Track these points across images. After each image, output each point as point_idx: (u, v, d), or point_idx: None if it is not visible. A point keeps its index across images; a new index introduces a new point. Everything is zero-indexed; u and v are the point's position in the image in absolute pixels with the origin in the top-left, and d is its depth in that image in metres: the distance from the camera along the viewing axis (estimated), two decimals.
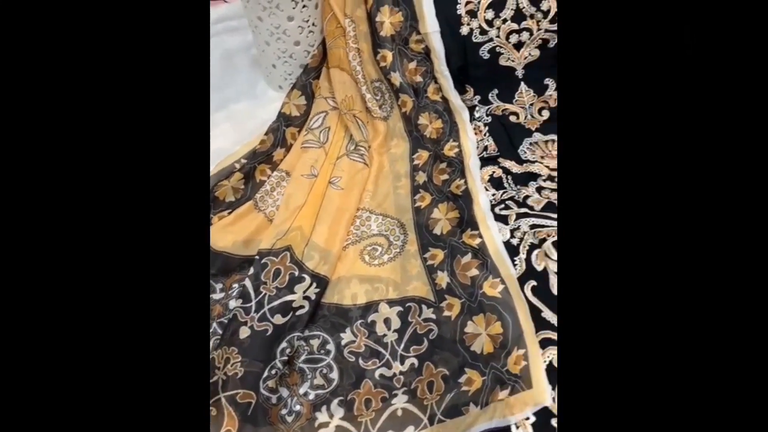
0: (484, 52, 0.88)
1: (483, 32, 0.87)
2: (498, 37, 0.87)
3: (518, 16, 0.85)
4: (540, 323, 0.65)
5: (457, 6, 0.86)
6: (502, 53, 0.88)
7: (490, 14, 0.86)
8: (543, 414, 0.58)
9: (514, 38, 0.87)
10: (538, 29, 0.86)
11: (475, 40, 0.87)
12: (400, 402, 0.61)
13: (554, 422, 0.57)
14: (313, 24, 0.95)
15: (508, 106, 0.91)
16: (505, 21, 0.86)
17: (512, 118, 0.91)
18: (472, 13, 0.86)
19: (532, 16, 0.85)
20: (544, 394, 0.58)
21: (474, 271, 0.71)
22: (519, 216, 0.78)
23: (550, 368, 0.61)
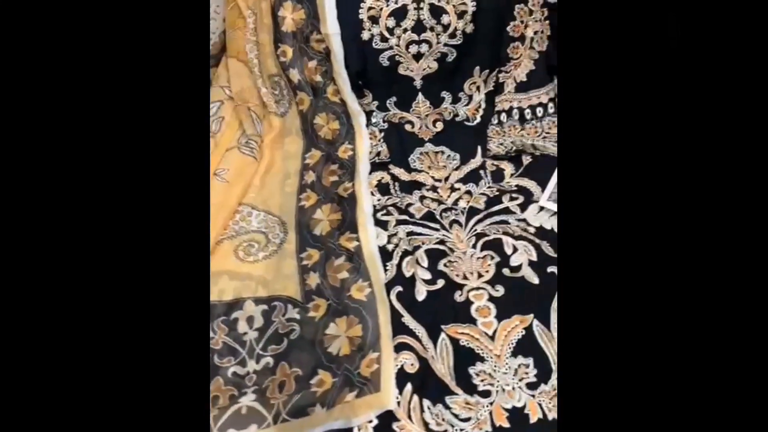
0: (383, 59, 0.89)
1: (384, 39, 0.88)
2: (398, 45, 0.88)
3: (419, 27, 0.87)
4: (399, 328, 0.67)
5: (360, 11, 0.87)
6: (402, 62, 0.90)
7: (391, 22, 0.87)
8: (386, 417, 0.59)
9: (413, 48, 0.89)
10: (437, 42, 0.89)
11: (375, 47, 0.88)
12: (247, 400, 0.60)
13: (395, 426, 0.58)
14: (216, 11, 0.93)
15: (405, 114, 0.93)
16: (405, 30, 0.87)
17: (407, 127, 0.93)
18: (374, 20, 0.87)
19: (432, 29, 0.88)
20: (389, 397, 0.59)
21: (344, 274, 0.71)
22: (399, 222, 0.80)
23: (400, 373, 0.62)
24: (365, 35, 0.88)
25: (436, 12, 0.87)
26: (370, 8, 0.87)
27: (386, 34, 0.88)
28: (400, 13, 0.87)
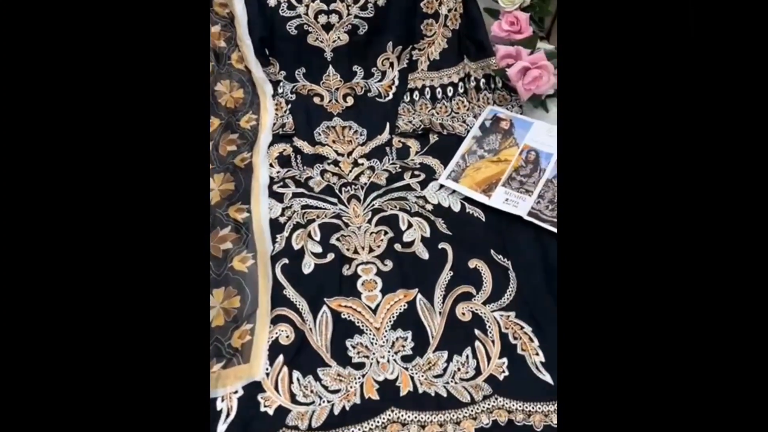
0: (291, 28, 0.86)
1: (291, 7, 0.85)
2: (306, 14, 0.85)
3: None
4: (280, 300, 0.65)
5: None
6: (311, 32, 0.87)
7: None
8: (252, 388, 0.57)
9: (322, 18, 0.86)
10: (348, 14, 0.87)
11: (282, 14, 0.85)
12: None
13: (260, 397, 0.57)
14: None
15: (314, 87, 0.91)
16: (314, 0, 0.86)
17: (316, 100, 0.90)
18: None
19: (341, 0, 0.86)
20: (258, 369, 0.58)
21: (228, 245, 0.69)
22: (295, 195, 0.78)
23: (274, 344, 0.61)
24: (271, 2, 0.84)
25: None
26: None
27: (294, 2, 0.85)
28: None
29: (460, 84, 0.91)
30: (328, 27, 0.87)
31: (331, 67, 0.90)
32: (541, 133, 0.85)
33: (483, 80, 0.91)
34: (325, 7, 0.85)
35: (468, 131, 0.87)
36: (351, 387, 0.59)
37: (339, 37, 0.88)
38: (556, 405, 0.57)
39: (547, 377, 0.60)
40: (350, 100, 0.91)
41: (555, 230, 0.73)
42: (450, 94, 0.91)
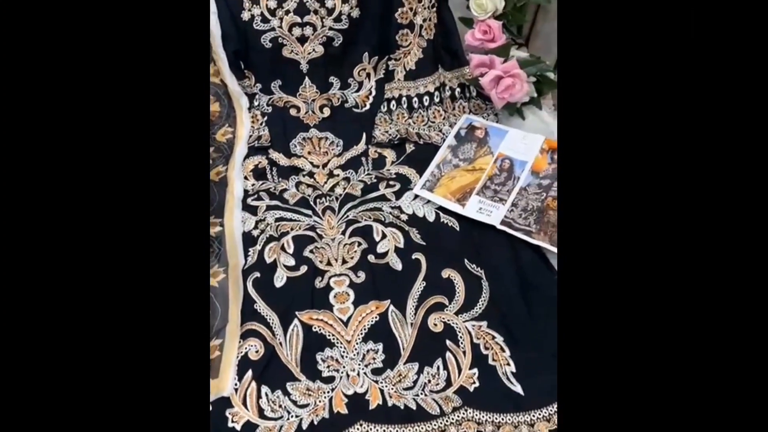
0: (266, 41, 0.86)
1: (265, 20, 0.85)
2: (280, 27, 0.86)
3: (301, 9, 0.85)
4: (249, 315, 0.65)
5: None
6: (285, 44, 0.87)
7: (272, 3, 0.84)
8: (221, 403, 0.57)
9: (297, 31, 0.87)
10: (322, 26, 0.87)
11: (256, 27, 0.85)
12: None
13: (228, 412, 0.57)
14: None
15: (291, 98, 0.91)
16: (288, 12, 0.85)
17: (293, 111, 0.91)
18: (254, 0, 0.85)
19: (315, 12, 0.86)
20: (226, 384, 0.58)
21: None
22: (269, 208, 0.78)
23: (243, 359, 0.61)
24: (245, 15, 0.85)
25: None
26: None
27: (267, 15, 0.85)
28: None
29: (436, 93, 0.91)
30: (302, 39, 0.87)
31: (307, 78, 0.90)
32: (516, 141, 0.85)
33: (458, 89, 0.92)
34: (299, 20, 0.86)
35: (444, 140, 0.88)
36: (320, 401, 0.58)
37: (314, 49, 0.89)
38: (525, 416, 0.57)
39: (518, 388, 0.59)
40: (327, 111, 0.91)
41: (527, 239, 0.73)
42: (426, 104, 0.91)
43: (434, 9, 0.90)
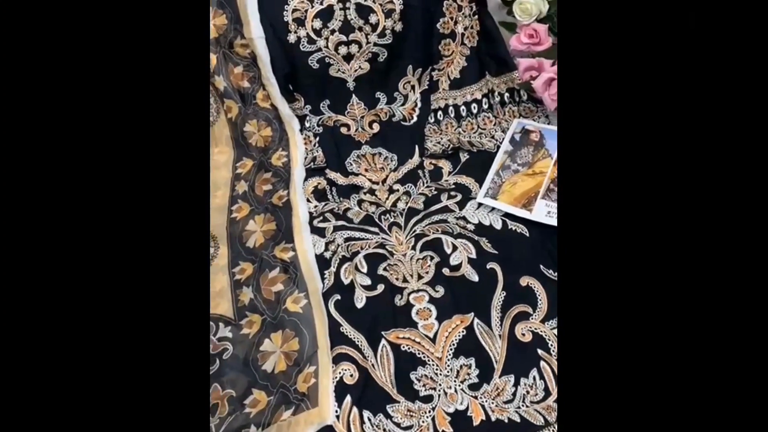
0: (313, 62, 0.87)
1: (311, 41, 0.86)
2: (327, 47, 0.86)
3: (346, 27, 0.85)
4: (337, 338, 0.64)
5: (284, 13, 0.84)
6: (332, 64, 0.88)
7: (317, 24, 0.85)
8: None
9: (343, 50, 0.87)
10: (367, 42, 0.87)
11: (303, 49, 0.86)
12: None
13: None
14: None
15: (340, 117, 0.91)
16: (333, 32, 0.86)
17: (343, 130, 0.91)
18: (300, 21, 0.85)
19: (360, 29, 0.86)
20: (328, 411, 0.57)
21: (279, 286, 0.69)
22: (336, 228, 0.78)
23: (339, 385, 0.60)
24: (291, 38, 0.86)
25: (363, 11, 0.86)
26: (294, 10, 0.85)
27: (313, 36, 0.86)
28: (326, 14, 0.85)
29: (484, 100, 0.91)
30: (348, 57, 0.88)
31: (354, 96, 0.91)
32: None
33: (507, 94, 0.91)
34: (344, 38, 0.86)
35: (498, 146, 0.87)
36: (423, 422, 0.58)
37: (360, 66, 0.89)
38: None
39: None
40: (376, 127, 0.91)
41: None
42: (475, 111, 0.91)
43: (476, 17, 0.91)
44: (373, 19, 0.86)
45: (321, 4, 0.85)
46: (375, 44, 0.87)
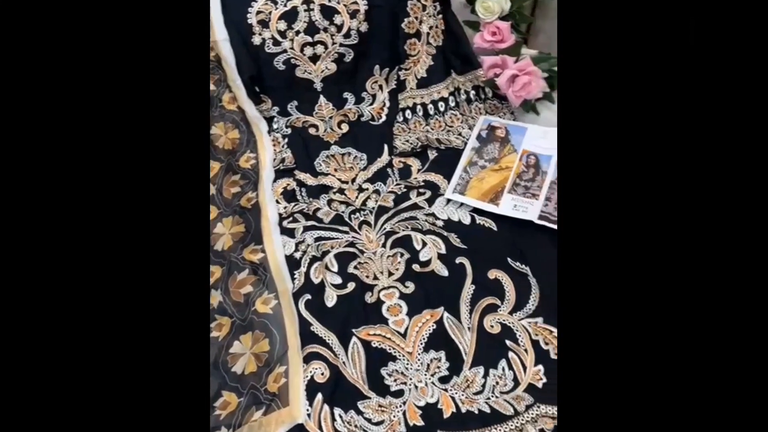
0: (279, 63, 0.87)
1: (276, 43, 0.86)
2: (292, 48, 0.86)
3: (311, 28, 0.86)
4: (308, 337, 0.64)
5: (248, 15, 0.84)
6: (298, 65, 0.88)
7: (282, 25, 0.85)
8: (295, 431, 0.57)
9: (308, 51, 0.87)
10: (333, 43, 0.88)
11: (268, 51, 0.86)
12: None
13: None
14: None
15: (308, 118, 0.91)
16: (298, 33, 0.86)
17: (312, 131, 0.91)
18: (264, 23, 0.85)
19: (325, 30, 0.87)
20: (298, 411, 0.57)
21: (248, 288, 0.68)
22: (306, 229, 0.78)
23: (310, 383, 0.60)
24: (256, 40, 0.86)
25: (328, 12, 0.86)
26: (258, 12, 0.85)
27: (278, 38, 0.86)
28: (290, 16, 0.85)
29: (451, 98, 0.92)
30: (315, 58, 0.88)
31: (321, 96, 0.91)
32: (537, 137, 0.86)
33: (473, 92, 0.93)
34: (310, 39, 0.86)
35: (465, 143, 0.88)
36: (394, 416, 0.58)
37: (327, 67, 0.89)
38: None
39: None
40: (345, 127, 0.92)
41: None
42: (442, 109, 0.92)
43: (440, 16, 0.92)
44: (338, 20, 0.86)
45: (285, 5, 0.85)
46: (341, 45, 0.88)
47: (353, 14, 0.86)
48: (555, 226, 0.74)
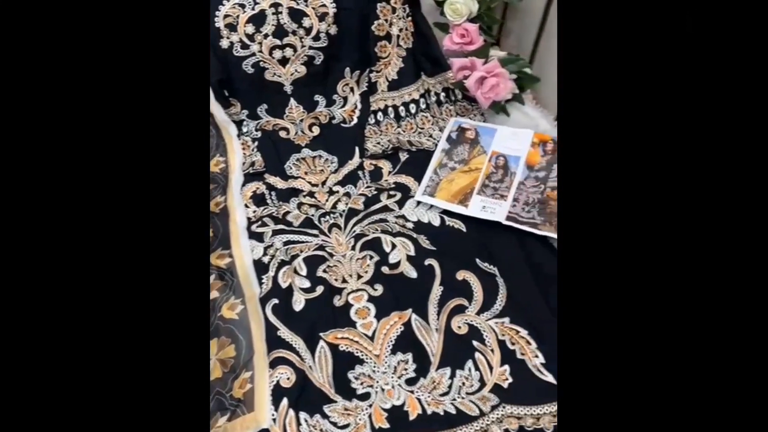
0: (247, 67, 0.86)
1: (244, 46, 0.85)
2: (261, 52, 0.86)
3: (280, 31, 0.85)
4: (275, 342, 0.64)
5: (215, 18, 0.84)
6: (267, 68, 0.87)
7: (250, 28, 0.85)
8: None
9: (277, 54, 0.87)
10: (302, 46, 0.88)
11: (236, 54, 0.85)
12: None
13: None
14: None
15: (278, 121, 0.91)
16: (266, 36, 0.86)
17: (282, 134, 0.91)
18: (232, 27, 0.84)
19: (294, 33, 0.86)
20: (264, 416, 0.57)
21: (215, 294, 0.68)
22: (275, 233, 0.78)
23: (276, 388, 0.60)
24: (224, 43, 0.85)
25: (296, 15, 0.86)
26: (226, 15, 0.84)
27: (246, 41, 0.85)
28: (258, 19, 0.85)
29: (422, 100, 0.92)
30: (284, 61, 0.88)
31: (292, 99, 0.90)
32: (507, 138, 0.87)
33: (443, 94, 0.93)
34: (278, 42, 0.86)
35: (436, 145, 0.89)
36: (360, 419, 0.58)
37: (296, 70, 0.89)
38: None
39: (550, 377, 0.60)
40: (316, 130, 0.92)
41: (534, 231, 0.74)
42: (413, 111, 0.92)
43: (409, 18, 0.92)
44: (306, 22, 0.86)
45: (253, 9, 0.84)
46: (310, 47, 0.88)
47: (322, 17, 0.86)
48: (523, 227, 0.75)
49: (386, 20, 0.90)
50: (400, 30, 0.91)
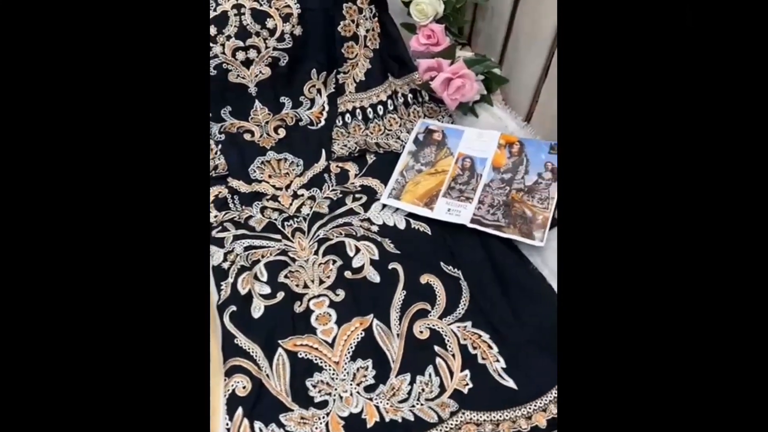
0: (210, 69, 0.85)
1: None
2: (224, 53, 0.84)
3: (243, 33, 0.84)
4: (231, 350, 0.63)
5: None
6: (231, 70, 0.86)
7: (212, 30, 0.83)
8: None
9: (241, 55, 0.85)
10: (266, 47, 0.86)
11: None
12: None
13: None
14: None
15: (243, 123, 0.90)
16: (229, 38, 0.84)
17: (247, 136, 0.89)
18: None
19: (257, 34, 0.85)
20: (217, 425, 0.56)
21: None
22: (236, 238, 0.76)
23: (231, 397, 0.59)
24: None
25: (260, 16, 0.84)
26: None
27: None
28: (220, 20, 0.83)
29: (389, 102, 0.91)
30: (248, 63, 0.86)
31: (257, 101, 0.89)
32: (473, 140, 0.86)
33: (410, 95, 0.92)
34: (241, 44, 0.84)
35: (403, 147, 0.88)
36: (316, 428, 0.57)
37: (261, 71, 0.87)
38: (521, 410, 0.57)
39: (510, 383, 0.60)
40: (282, 132, 0.90)
41: (498, 234, 0.74)
42: (381, 113, 0.91)
43: (376, 19, 0.91)
44: (270, 23, 0.85)
45: (215, 10, 0.83)
46: (274, 49, 0.86)
47: (286, 18, 0.85)
48: (487, 230, 0.74)
49: (353, 21, 0.89)
50: (367, 31, 0.90)
